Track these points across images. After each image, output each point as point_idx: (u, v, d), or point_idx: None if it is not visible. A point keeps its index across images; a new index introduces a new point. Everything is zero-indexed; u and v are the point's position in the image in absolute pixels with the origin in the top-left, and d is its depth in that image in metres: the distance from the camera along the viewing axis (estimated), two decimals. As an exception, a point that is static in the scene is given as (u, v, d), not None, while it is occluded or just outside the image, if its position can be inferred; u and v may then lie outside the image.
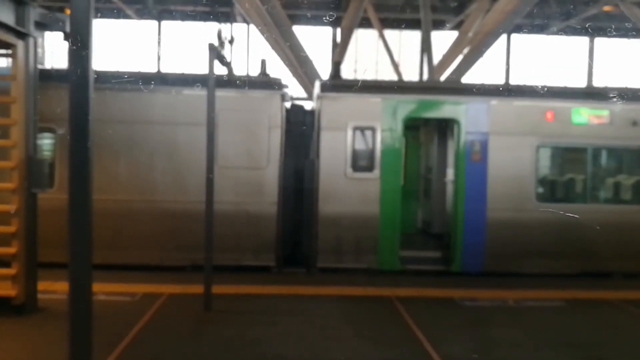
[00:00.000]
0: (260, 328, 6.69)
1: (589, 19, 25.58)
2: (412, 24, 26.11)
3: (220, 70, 9.69)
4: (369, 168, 9.56)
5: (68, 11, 7.89)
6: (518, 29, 28.66)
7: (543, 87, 9.80)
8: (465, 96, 9.73)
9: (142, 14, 23.44)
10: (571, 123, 9.69)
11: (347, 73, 26.77)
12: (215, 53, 7.13)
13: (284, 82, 9.88)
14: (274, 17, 16.22)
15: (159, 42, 16.68)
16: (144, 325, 6.63)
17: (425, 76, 18.45)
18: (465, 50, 18.14)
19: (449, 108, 9.72)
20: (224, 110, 9.37)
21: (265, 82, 9.68)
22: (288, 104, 10.42)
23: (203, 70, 9.66)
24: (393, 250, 9.66)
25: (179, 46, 24.15)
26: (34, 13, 6.91)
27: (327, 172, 9.52)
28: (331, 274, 9.49)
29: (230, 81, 9.60)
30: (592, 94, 9.83)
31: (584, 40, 29.98)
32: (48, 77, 9.36)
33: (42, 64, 7.62)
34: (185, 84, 9.39)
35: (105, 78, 9.20)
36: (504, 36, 28.97)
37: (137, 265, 9.30)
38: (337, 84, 9.73)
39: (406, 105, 9.64)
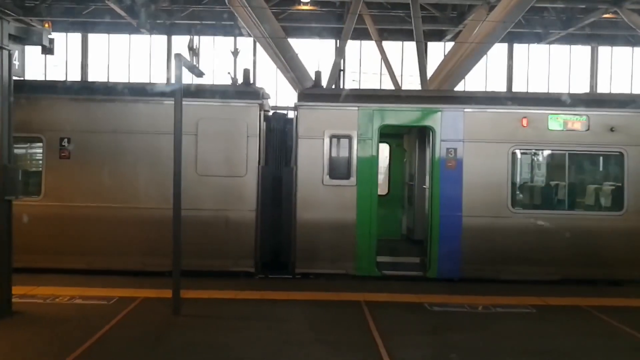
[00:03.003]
0: (223, 333, 6.82)
1: (591, 27, 25.59)
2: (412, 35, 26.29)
3: (204, 80, 9.97)
4: (346, 175, 9.69)
5: (47, 25, 8.19)
6: (519, 38, 28.82)
7: (518, 93, 9.86)
8: (440, 104, 9.84)
9: (151, 29, 23.80)
10: (547, 129, 9.74)
11: (350, 83, 27.07)
12: (181, 63, 7.33)
13: (263, 91, 10.08)
14: (268, 29, 16.51)
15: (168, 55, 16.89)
16: (108, 329, 6.79)
17: (419, 85, 18.60)
18: (459, 59, 18.25)
19: (424, 116, 9.84)
20: (203, 120, 9.59)
21: (244, 92, 9.89)
22: (270, 113, 10.64)
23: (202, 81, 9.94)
24: (370, 256, 9.76)
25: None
26: (8, 27, 7.16)
27: (305, 179, 9.66)
28: (309, 280, 9.61)
29: (209, 91, 9.82)
30: (569, 101, 9.87)
31: (587, 48, 30.04)
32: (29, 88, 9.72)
33: (20, 75, 7.87)
34: (165, 94, 9.61)
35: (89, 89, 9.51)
36: (506, 46, 29.29)
37: (122, 271, 9.50)
38: (314, 93, 9.91)
39: (382, 113, 9.77)
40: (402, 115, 9.90)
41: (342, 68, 23.84)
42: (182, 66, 7.39)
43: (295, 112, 9.77)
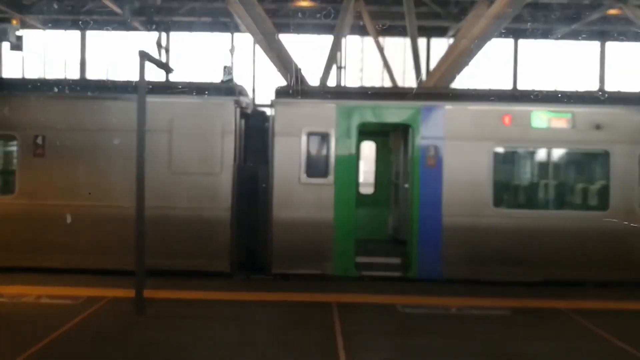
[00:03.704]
0: (181, 333, 6.70)
1: (598, 23, 25.18)
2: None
3: (189, 77, 9.84)
4: (323, 174, 9.51)
5: (15, 22, 8.13)
6: (525, 34, 28.48)
7: (501, 90, 9.65)
8: (420, 101, 9.63)
9: (148, 26, 23.86)
10: (530, 127, 9.49)
11: (353, 80, 26.85)
12: (145, 60, 7.21)
13: (240, 88, 9.94)
14: (259, 24, 16.35)
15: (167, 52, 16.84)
16: (66, 329, 6.70)
17: (416, 82, 18.35)
18: (456, 57, 17.96)
19: (403, 113, 9.62)
20: (178, 117, 9.48)
21: (219, 89, 9.75)
22: (249, 110, 10.49)
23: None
24: (348, 257, 9.57)
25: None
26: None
27: (281, 177, 9.50)
28: (286, 280, 9.44)
29: (184, 87, 9.70)
30: (554, 97, 9.62)
31: (595, 44, 29.59)
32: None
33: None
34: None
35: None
36: (511, 42, 28.97)
37: (100, 270, 9.40)
38: (292, 90, 9.73)
39: (361, 111, 9.58)
40: (380, 112, 9.69)
41: (342, 65, 23.77)
42: (146, 63, 7.25)
43: (272, 109, 9.61)
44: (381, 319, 7.47)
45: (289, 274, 9.58)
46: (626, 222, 9.38)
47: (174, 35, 26.46)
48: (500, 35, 30.30)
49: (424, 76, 18.59)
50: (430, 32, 27.06)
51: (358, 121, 9.55)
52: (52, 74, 26.17)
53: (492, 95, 9.72)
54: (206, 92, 9.64)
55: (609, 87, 28.93)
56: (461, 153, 9.47)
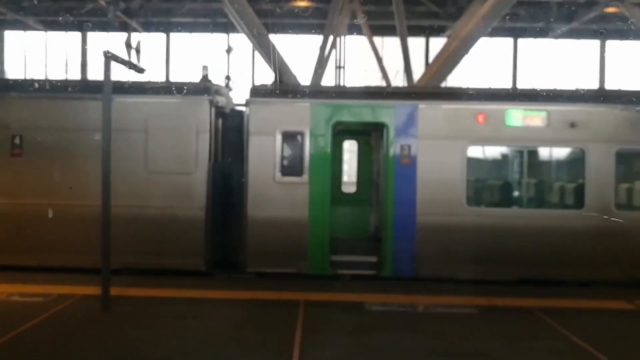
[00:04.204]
0: (145, 331, 6.76)
1: (598, 21, 25.05)
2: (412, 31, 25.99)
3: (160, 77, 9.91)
4: (298, 172, 9.54)
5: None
6: (524, 33, 28.38)
7: (475, 89, 9.64)
8: (394, 100, 9.64)
9: (148, 27, 23.98)
10: (504, 125, 9.46)
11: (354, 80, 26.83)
12: (110, 61, 7.27)
13: (216, 88, 9.99)
14: (248, 23, 16.38)
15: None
16: (30, 326, 6.77)
17: (407, 82, 18.31)
18: (446, 56, 17.92)
19: (378, 112, 9.64)
20: (153, 116, 9.56)
21: (194, 88, 9.82)
22: (228, 109, 10.54)
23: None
24: (323, 255, 9.59)
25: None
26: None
27: (256, 176, 9.54)
28: (259, 279, 9.50)
29: (159, 88, 9.77)
30: (529, 96, 9.59)
31: (595, 43, 29.44)
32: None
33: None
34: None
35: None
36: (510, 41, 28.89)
37: (77, 269, 9.48)
38: (267, 89, 9.78)
39: (335, 109, 9.60)
40: (355, 111, 9.72)
41: (341, 65, 23.78)
42: (110, 65, 7.31)
43: (246, 108, 9.65)
44: (346, 317, 7.47)
45: (265, 273, 9.64)
46: (602, 221, 9.34)
47: (174, 36, 26.94)
48: (499, 34, 30.36)
49: (417, 76, 18.49)
50: (429, 32, 27.01)
51: (333, 120, 9.57)
52: (53, 75, 26.52)
53: (467, 94, 9.70)
54: (181, 92, 9.70)
55: (609, 85, 28.83)
56: (435, 152, 9.47)
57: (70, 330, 6.74)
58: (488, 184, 9.87)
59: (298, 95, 9.67)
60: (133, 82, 9.65)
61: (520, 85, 29.40)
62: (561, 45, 28.71)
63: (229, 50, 23.55)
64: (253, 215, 9.51)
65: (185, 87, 9.82)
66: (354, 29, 22.13)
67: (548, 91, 9.59)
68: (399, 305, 8.06)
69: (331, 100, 9.67)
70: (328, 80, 22.08)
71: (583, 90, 9.74)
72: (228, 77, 19.64)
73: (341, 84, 21.21)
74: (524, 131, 9.44)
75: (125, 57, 9.33)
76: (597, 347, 6.37)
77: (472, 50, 18.05)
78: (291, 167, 9.54)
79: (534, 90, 9.89)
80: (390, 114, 9.55)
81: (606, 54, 29.17)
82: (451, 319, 7.57)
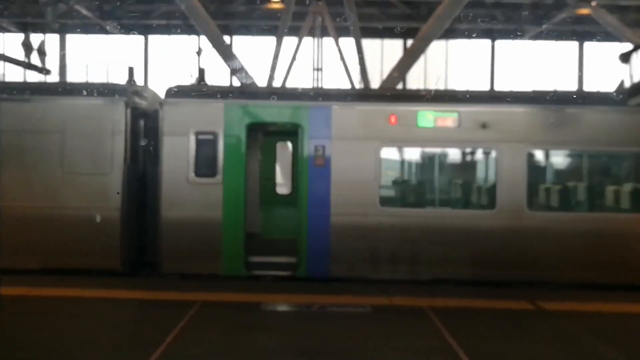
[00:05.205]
0: (30, 331, 6.74)
1: (574, 23, 25.08)
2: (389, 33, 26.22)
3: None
4: (212, 173, 9.60)
5: None
6: (501, 35, 28.46)
7: (388, 90, 9.67)
8: (308, 101, 9.69)
9: (125, 30, 24.21)
10: (416, 126, 9.49)
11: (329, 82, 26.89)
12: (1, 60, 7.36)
13: (134, 89, 10.06)
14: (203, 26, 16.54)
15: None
16: None
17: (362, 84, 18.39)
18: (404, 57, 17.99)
19: (292, 113, 9.69)
20: (70, 117, 9.64)
21: (110, 89, 9.90)
22: (152, 110, 10.59)
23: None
24: (238, 256, 9.64)
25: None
26: None
27: (170, 177, 9.60)
28: (170, 279, 9.53)
29: (76, 89, 9.86)
30: (441, 97, 9.62)
31: (574, 44, 29.46)
32: None
33: None
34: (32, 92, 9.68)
35: None
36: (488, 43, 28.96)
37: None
38: (181, 90, 9.84)
39: (249, 110, 9.66)
40: (269, 112, 9.77)
41: (319, 67, 23.87)
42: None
43: (160, 109, 9.72)
44: (235, 317, 7.48)
45: (178, 274, 9.69)
46: (513, 221, 9.36)
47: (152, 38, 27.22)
48: (478, 36, 30.31)
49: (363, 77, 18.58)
50: (405, 34, 27.11)
51: (247, 121, 9.62)
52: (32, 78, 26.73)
53: (381, 96, 9.75)
54: (98, 93, 9.78)
55: (588, 86, 28.81)
56: (349, 153, 9.51)
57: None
58: (402, 185, 9.90)
59: (212, 96, 9.73)
60: (50, 83, 9.75)
61: (498, 86, 29.59)
62: (538, 47, 28.80)
63: (199, 52, 23.66)
64: (167, 216, 9.57)
65: (102, 89, 9.91)
66: (344, 32, 22.12)
67: (461, 92, 9.62)
68: (295, 305, 8.10)
69: (246, 101, 9.72)
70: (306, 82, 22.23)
71: (497, 91, 9.76)
72: (199, 79, 19.72)
73: (319, 86, 21.35)
74: (436, 132, 9.46)
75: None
76: (465, 348, 6.36)
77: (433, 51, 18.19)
78: (205, 168, 9.59)
79: (447, 91, 9.90)
80: (304, 115, 9.60)
81: (585, 55, 29.27)
82: (340, 318, 7.58)
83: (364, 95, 9.88)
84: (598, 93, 10.37)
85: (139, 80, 24.96)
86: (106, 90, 9.85)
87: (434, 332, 6.98)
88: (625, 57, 10.46)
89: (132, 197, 9.76)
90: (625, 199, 9.29)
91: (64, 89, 9.80)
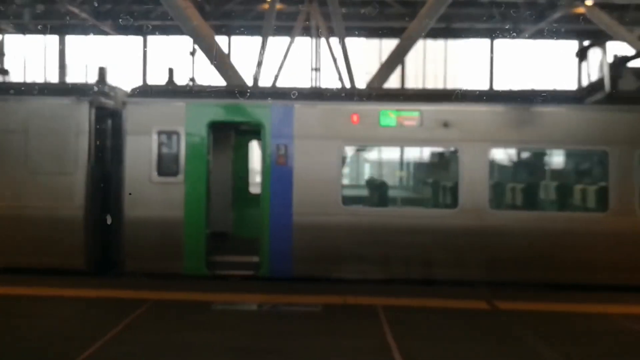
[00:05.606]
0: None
1: (572, 22, 24.87)
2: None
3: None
4: (174, 172, 9.61)
5: None
6: (500, 34, 28.29)
7: (350, 89, 9.62)
8: (270, 100, 9.67)
9: (123, 30, 24.41)
10: (378, 125, 9.43)
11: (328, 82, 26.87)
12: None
13: (100, 88, 10.12)
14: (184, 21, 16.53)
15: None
16: None
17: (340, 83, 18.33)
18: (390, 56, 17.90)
19: (254, 112, 9.68)
20: (33, 117, 9.71)
21: (74, 89, 9.97)
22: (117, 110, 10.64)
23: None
24: (199, 255, 9.63)
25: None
26: None
27: (133, 176, 9.63)
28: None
29: (40, 89, 9.93)
30: (404, 96, 9.55)
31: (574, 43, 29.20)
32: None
33: None
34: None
35: None
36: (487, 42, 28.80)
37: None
38: (143, 89, 9.88)
39: (211, 109, 9.66)
40: (231, 111, 9.76)
41: (317, 67, 23.88)
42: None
43: (124, 108, 9.76)
44: (181, 316, 7.44)
45: (141, 273, 9.71)
46: (477, 220, 9.26)
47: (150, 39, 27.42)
48: (478, 35, 30.11)
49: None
50: (396, 33, 27.12)
51: (208, 119, 9.62)
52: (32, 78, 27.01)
53: (343, 94, 9.70)
54: (63, 93, 9.86)
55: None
56: (311, 152, 9.48)
57: None
58: (363, 184, 9.84)
59: (174, 95, 9.75)
60: (15, 83, 9.83)
61: (498, 85, 29.40)
62: (537, 46, 28.59)
63: (192, 53, 23.80)
64: (129, 216, 9.59)
65: (67, 89, 9.98)
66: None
67: (422, 91, 9.54)
68: (246, 304, 8.08)
69: (207, 100, 9.73)
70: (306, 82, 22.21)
71: (461, 90, 9.67)
72: (192, 79, 19.79)
73: (317, 86, 21.32)
74: (398, 131, 9.39)
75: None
76: (403, 348, 6.30)
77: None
78: (167, 167, 9.60)
79: (409, 90, 9.84)
80: (267, 114, 9.58)
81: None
82: (289, 317, 7.53)
83: (326, 94, 9.81)
84: (559, 91, 10.23)
85: (138, 81, 25.30)
86: (71, 90, 9.90)
87: (377, 332, 6.92)
88: (582, 54, 10.31)
89: (96, 197, 9.81)
90: (587, 197, 9.16)
91: (28, 88, 9.85)
